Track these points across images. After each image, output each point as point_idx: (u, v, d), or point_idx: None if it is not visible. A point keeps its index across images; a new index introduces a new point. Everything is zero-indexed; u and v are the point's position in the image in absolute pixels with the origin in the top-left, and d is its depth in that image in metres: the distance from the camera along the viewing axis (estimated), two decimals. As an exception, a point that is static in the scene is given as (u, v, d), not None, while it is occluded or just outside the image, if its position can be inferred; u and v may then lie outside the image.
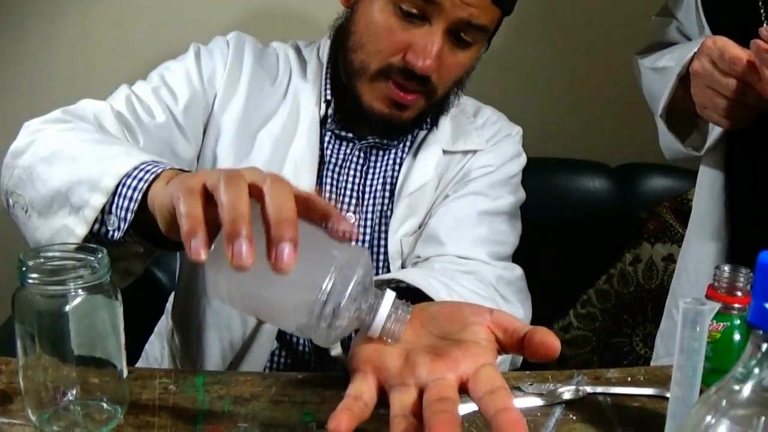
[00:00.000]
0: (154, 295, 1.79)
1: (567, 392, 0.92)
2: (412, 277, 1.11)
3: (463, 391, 0.75)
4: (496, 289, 1.29)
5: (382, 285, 1.03)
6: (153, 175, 0.90)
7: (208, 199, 0.75)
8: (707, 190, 1.40)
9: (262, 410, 0.88)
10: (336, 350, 1.09)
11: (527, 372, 0.99)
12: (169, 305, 1.55)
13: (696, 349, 0.73)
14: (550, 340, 0.77)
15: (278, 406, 0.89)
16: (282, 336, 1.35)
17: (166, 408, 0.88)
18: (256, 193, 0.74)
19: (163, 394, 0.91)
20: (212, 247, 0.73)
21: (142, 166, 0.92)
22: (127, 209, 0.90)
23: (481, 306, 0.85)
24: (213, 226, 0.73)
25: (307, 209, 0.80)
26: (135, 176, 0.91)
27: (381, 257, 1.36)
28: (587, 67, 2.30)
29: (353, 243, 0.81)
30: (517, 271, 1.38)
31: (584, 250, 2.19)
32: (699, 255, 1.41)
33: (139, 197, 0.89)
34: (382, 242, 1.36)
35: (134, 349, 1.55)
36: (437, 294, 1.07)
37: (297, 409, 0.89)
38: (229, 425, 0.84)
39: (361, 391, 0.77)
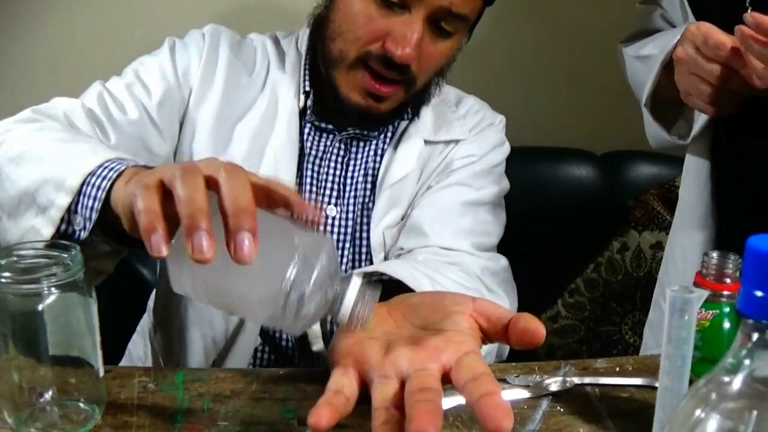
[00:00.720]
0: (137, 292, 1.76)
1: (554, 383, 0.91)
2: (394, 268, 1.08)
3: (447, 381, 0.73)
4: (481, 280, 1.27)
5: (364, 277, 1.02)
6: (116, 173, 0.87)
7: (168, 194, 0.73)
8: (694, 178, 1.38)
9: (243, 408, 0.86)
10: (318, 345, 1.08)
11: (513, 363, 0.97)
12: (151, 302, 1.52)
13: (684, 339, 0.72)
14: (534, 326, 0.75)
15: (259, 404, 0.87)
16: (265, 332, 1.33)
17: (144, 407, 0.86)
18: (214, 185, 0.72)
19: (142, 393, 0.89)
20: (173, 242, 0.71)
21: (107, 164, 0.89)
22: (92, 209, 0.88)
23: (464, 295, 0.84)
24: (174, 221, 0.71)
25: (267, 197, 0.78)
26: (99, 175, 0.88)
27: (363, 250, 1.34)
28: (571, 55, 2.27)
29: (318, 230, 0.79)
30: (502, 261, 1.36)
31: (571, 238, 2.17)
32: (686, 244, 1.39)
33: (103, 196, 0.87)
34: (364, 234, 1.34)
35: (117, 348, 1.55)
36: (420, 285, 1.05)
37: (278, 406, 0.87)
38: (208, 424, 0.82)
39: (342, 384, 0.74)
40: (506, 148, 1.47)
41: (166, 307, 1.37)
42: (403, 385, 0.72)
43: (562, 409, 0.87)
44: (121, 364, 1.52)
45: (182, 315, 1.32)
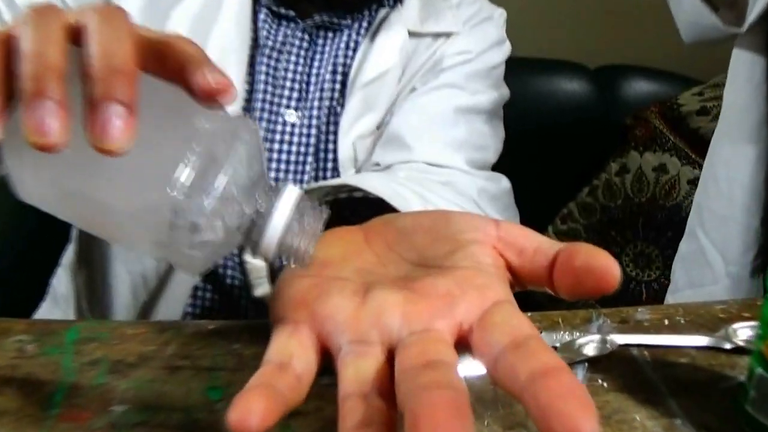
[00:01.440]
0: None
1: (590, 345, 0.65)
2: (371, 182, 0.80)
3: (463, 348, 0.47)
4: (478, 204, 1.05)
5: (328, 195, 0.77)
6: None
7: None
8: (744, 79, 1.16)
9: (150, 382, 0.60)
10: (262, 287, 0.79)
11: (528, 314, 0.71)
12: (75, 230, 1.28)
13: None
14: (603, 262, 0.48)
15: (174, 375, 0.61)
16: (206, 269, 1.07)
17: (15, 381, 0.60)
18: (80, 36, 0.46)
19: (17, 359, 0.63)
20: (9, 122, 0.45)
21: None
22: None
23: (480, 216, 0.57)
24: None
25: (161, 61, 0.50)
26: None
27: (329, 164, 1.11)
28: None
29: (239, 113, 0.52)
30: (504, 183, 1.15)
31: (563, 158, 2.06)
32: (732, 159, 1.18)
33: None
34: (331, 146, 1.11)
35: (40, 284, 1.32)
36: (407, 205, 0.79)
37: (201, 378, 0.60)
38: (97, 409, 0.56)
39: (288, 353, 0.48)
40: (507, 48, 1.26)
41: (90, 234, 1.11)
42: (391, 355, 0.46)
43: (605, 384, 0.60)
44: (44, 304, 1.29)
45: (105, 245, 1.11)
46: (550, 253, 0.51)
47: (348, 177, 0.86)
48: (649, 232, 1.96)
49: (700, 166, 1.84)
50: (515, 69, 1.54)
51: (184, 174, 0.46)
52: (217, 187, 0.47)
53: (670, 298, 1.25)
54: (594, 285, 0.48)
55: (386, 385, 0.44)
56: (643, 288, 1.92)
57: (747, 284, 1.12)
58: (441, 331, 0.47)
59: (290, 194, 0.51)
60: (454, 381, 0.41)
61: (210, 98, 0.49)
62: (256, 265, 0.72)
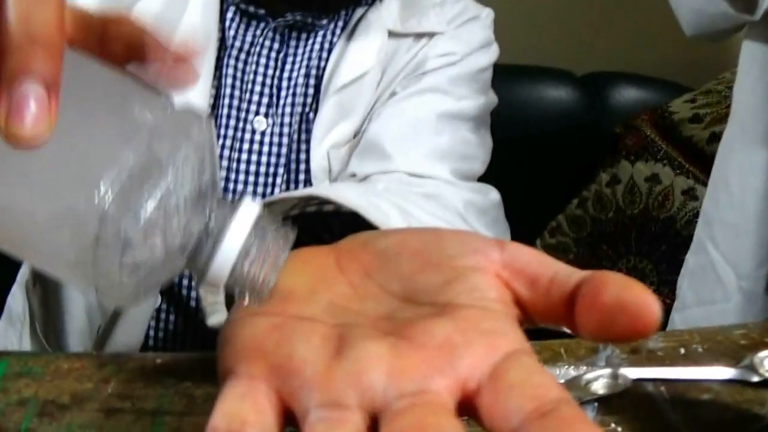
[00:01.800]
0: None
1: (599, 381, 0.56)
2: (344, 193, 0.69)
3: (467, 412, 0.37)
4: (465, 219, 0.97)
5: (294, 208, 0.67)
6: None
7: None
8: (755, 77, 1.10)
9: (81, 429, 0.51)
10: (217, 316, 0.67)
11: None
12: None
13: None
14: (641, 298, 0.37)
15: (112, 420, 0.52)
16: (169, 288, 1.01)
17: (-74, 425, 0.52)
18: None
19: (-67, 397, 0.55)
20: None
21: None
22: None
23: (478, 235, 0.46)
24: None
25: (101, 40, 0.41)
26: None
27: (301, 176, 1.03)
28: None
29: (189, 108, 0.43)
30: (492, 195, 1.07)
31: (550, 168, 2.00)
32: (745, 165, 1.11)
33: None
34: (303, 155, 1.03)
35: None
36: (387, 220, 0.68)
37: (142, 425, 0.51)
38: (16, 462, 0.48)
39: (241, 420, 0.36)
40: (494, 50, 1.19)
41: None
42: (373, 423, 0.36)
43: (619, 428, 0.51)
44: (0, 323, 1.21)
45: None
46: (570, 284, 0.40)
47: (318, 187, 0.77)
48: (642, 246, 1.90)
49: (695, 176, 1.81)
50: (499, 76, 1.49)
51: (117, 176, 0.37)
52: (156, 194, 0.38)
53: (677, 317, 1.19)
54: (628, 326, 0.38)
55: None
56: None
57: (761, 301, 1.06)
58: (439, 393, 0.36)
59: (248, 211, 0.41)
60: None
61: (171, 74, 0.40)
62: (210, 289, 0.63)
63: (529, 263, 0.42)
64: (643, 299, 0.37)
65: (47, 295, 1.07)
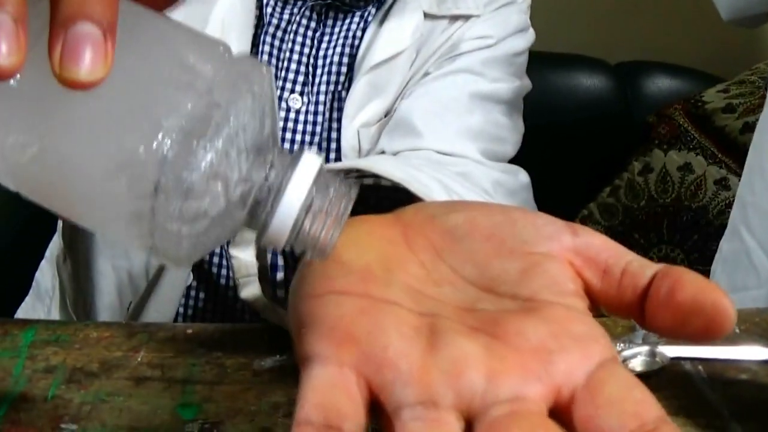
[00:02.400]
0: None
1: (637, 359, 0.55)
2: (383, 166, 0.66)
3: (556, 420, 0.35)
4: (493, 199, 0.95)
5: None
6: None
7: None
8: None
9: (111, 395, 0.50)
10: (250, 288, 0.66)
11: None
12: (61, 220, 1.18)
13: None
14: (719, 300, 0.36)
15: (140, 389, 0.51)
16: (199, 266, 1.00)
17: (-45, 389, 0.51)
18: None
19: (-39, 363, 0.54)
20: None
21: None
22: None
23: (550, 218, 0.44)
24: None
25: None
26: None
27: (332, 155, 1.02)
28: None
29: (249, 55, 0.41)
30: (522, 177, 1.05)
31: (582, 157, 1.98)
32: None
33: None
34: (334, 134, 1.02)
35: (24, 277, 1.23)
36: (429, 193, 0.65)
37: (172, 394, 0.50)
38: (43, 427, 0.47)
39: (337, 409, 0.35)
40: (530, 35, 1.17)
41: (75, 226, 1.03)
42: (468, 426, 0.35)
43: (655, 406, 0.51)
44: (28, 299, 1.20)
45: (91, 236, 1.01)
46: (643, 278, 0.39)
47: (358, 160, 0.75)
48: (674, 235, 1.88)
49: (727, 166, 1.79)
50: (534, 63, 1.48)
51: (177, 121, 0.35)
52: (217, 141, 0.36)
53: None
54: (702, 327, 0.37)
55: None
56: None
57: (796, 289, 1.03)
58: (535, 401, 0.35)
59: (310, 163, 0.39)
60: None
61: None
62: (243, 260, 0.61)
63: (601, 251, 0.41)
64: (721, 302, 0.36)
65: (77, 270, 1.06)
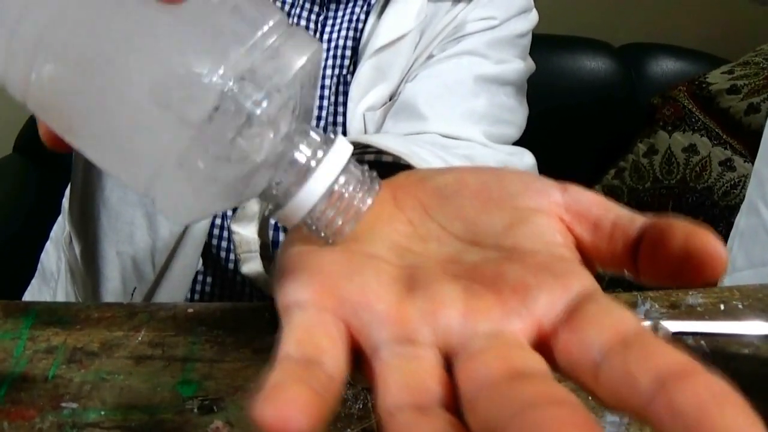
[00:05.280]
0: (50, 187, 1.43)
1: (639, 334, 0.56)
2: (387, 142, 0.67)
3: (539, 351, 0.34)
4: None
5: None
6: None
7: None
8: None
9: (112, 375, 0.50)
10: (252, 264, 0.65)
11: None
12: (65, 201, 1.17)
13: None
14: (710, 244, 0.35)
15: (141, 367, 0.51)
16: (207, 250, 0.99)
17: (-44, 370, 0.51)
18: None
19: (-38, 345, 0.54)
20: None
21: None
22: None
23: (540, 176, 0.43)
24: None
25: None
26: None
27: None
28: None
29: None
30: (527, 158, 1.03)
31: (587, 139, 1.97)
32: None
33: None
34: (339, 118, 1.00)
35: (27, 260, 1.24)
36: (429, 166, 0.63)
37: (172, 371, 0.50)
38: (44, 406, 0.47)
39: (316, 346, 0.34)
40: (534, 16, 1.16)
41: (82, 207, 1.03)
42: (448, 363, 0.34)
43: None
44: (33, 281, 1.19)
45: (96, 221, 0.99)
46: (633, 229, 0.38)
47: (359, 135, 0.75)
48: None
49: (732, 147, 1.78)
50: (538, 45, 1.48)
51: (251, 53, 0.34)
52: (284, 87, 0.35)
53: (727, 280, 1.14)
54: (695, 273, 0.35)
55: (449, 399, 0.32)
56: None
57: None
58: (515, 334, 0.34)
59: (342, 150, 0.38)
60: (567, 396, 0.29)
61: None
62: (244, 236, 0.61)
63: (591, 206, 0.40)
64: (712, 244, 0.35)
65: (86, 255, 1.04)
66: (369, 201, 0.39)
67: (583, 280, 0.35)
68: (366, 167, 0.39)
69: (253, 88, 0.34)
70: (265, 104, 0.34)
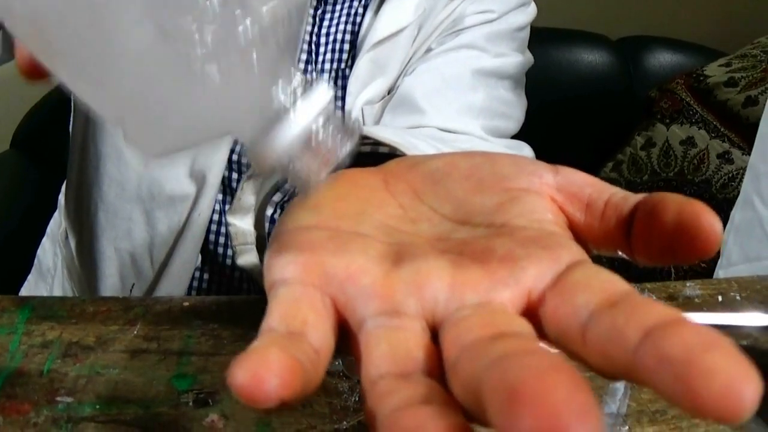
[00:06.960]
0: (47, 183, 1.43)
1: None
2: (383, 133, 0.65)
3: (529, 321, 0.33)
4: None
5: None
6: None
7: None
8: None
9: (107, 368, 0.50)
10: (247, 255, 0.61)
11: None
12: (61, 197, 1.17)
13: None
14: (705, 219, 0.34)
15: (136, 361, 0.51)
16: (205, 246, 0.98)
17: (-49, 365, 0.51)
18: None
19: (-42, 340, 0.54)
20: None
21: None
22: None
23: (531, 159, 0.43)
24: None
25: None
26: None
27: None
28: None
29: None
30: (526, 151, 1.03)
31: (585, 132, 1.98)
32: None
33: None
34: (337, 112, 0.97)
35: (24, 256, 1.25)
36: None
37: (167, 365, 0.50)
38: (39, 401, 0.47)
39: (301, 319, 0.34)
40: (532, 10, 1.15)
41: (79, 203, 1.03)
42: (435, 335, 0.34)
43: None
44: (30, 277, 1.20)
45: (93, 217, 0.99)
46: (626, 207, 0.37)
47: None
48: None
49: (730, 140, 1.78)
50: (535, 39, 1.48)
51: None
52: None
53: (722, 274, 1.13)
54: (689, 247, 0.34)
55: (435, 368, 0.31)
56: (672, 267, 1.83)
57: (810, 258, 1.01)
58: (503, 304, 0.33)
59: (323, 91, 0.36)
60: (548, 351, 0.28)
61: None
62: (240, 228, 0.61)
63: (584, 187, 0.39)
64: (704, 218, 0.34)
65: (82, 250, 1.04)
66: (349, 145, 0.37)
67: (573, 252, 0.35)
68: (350, 115, 0.39)
69: None
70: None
